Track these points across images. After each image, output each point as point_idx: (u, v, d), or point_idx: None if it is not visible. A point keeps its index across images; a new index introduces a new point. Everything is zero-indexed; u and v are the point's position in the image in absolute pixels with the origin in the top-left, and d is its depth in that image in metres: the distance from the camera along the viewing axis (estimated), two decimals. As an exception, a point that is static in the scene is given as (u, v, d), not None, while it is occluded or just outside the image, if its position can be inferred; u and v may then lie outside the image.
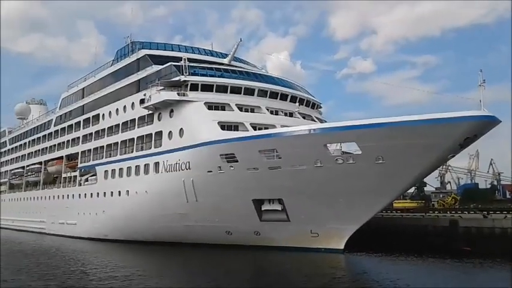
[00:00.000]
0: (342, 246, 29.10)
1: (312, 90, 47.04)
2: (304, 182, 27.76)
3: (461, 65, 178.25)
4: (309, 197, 28.15)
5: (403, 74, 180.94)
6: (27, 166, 63.66)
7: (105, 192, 41.45)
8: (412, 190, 73.59)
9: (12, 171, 69.65)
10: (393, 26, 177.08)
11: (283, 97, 36.52)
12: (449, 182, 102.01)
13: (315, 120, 37.04)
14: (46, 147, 58.76)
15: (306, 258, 27.69)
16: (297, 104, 36.43)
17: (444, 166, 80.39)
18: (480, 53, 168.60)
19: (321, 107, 41.53)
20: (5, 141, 76.30)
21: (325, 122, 37.25)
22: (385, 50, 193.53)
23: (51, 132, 57.93)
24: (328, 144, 27.07)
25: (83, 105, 50.59)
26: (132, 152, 39.44)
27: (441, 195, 77.07)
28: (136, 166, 37.89)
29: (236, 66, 39.65)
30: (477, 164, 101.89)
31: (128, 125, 41.03)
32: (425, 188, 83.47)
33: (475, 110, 24.26)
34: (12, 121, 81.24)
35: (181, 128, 33.74)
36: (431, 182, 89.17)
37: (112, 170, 41.37)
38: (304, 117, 36.53)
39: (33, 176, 61.53)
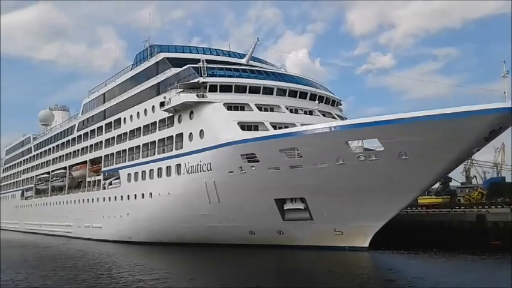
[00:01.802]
0: (366, 244, 28.79)
1: (332, 87, 46.66)
2: (327, 180, 27.53)
3: (483, 57, 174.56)
4: (332, 195, 27.90)
5: (424, 67, 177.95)
6: (52, 171, 64.92)
7: (128, 195, 41.94)
8: (437, 185, 72.38)
9: (38, 177, 71.12)
10: (412, 19, 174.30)
11: (303, 95, 36.38)
12: (475, 177, 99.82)
13: (335, 118, 36.77)
14: (70, 153, 59.78)
15: (331, 257, 27.48)
16: (317, 101, 36.26)
17: (469, 160, 78.72)
18: (502, 43, 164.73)
19: (341, 104, 41.20)
20: (30, 147, 77.91)
21: (346, 119, 36.98)
22: (404, 43, 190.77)
23: (75, 138, 58.89)
24: (349, 142, 26.81)
25: (105, 110, 51.26)
26: (154, 154, 39.82)
27: (467, 190, 75.61)
28: (158, 168, 38.23)
29: (254, 66, 39.64)
30: (503, 158, 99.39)
31: (149, 128, 41.43)
32: (450, 183, 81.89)
33: (500, 102, 23.66)
34: (36, 128, 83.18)
35: (202, 130, 33.87)
36: (457, 177, 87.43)
37: (135, 172, 41.84)
38: (324, 115, 36.29)
39: (59, 181, 62.62)
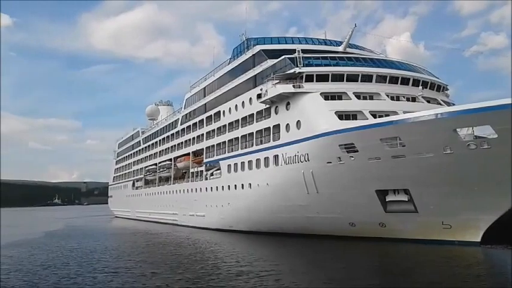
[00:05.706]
0: (478, 239, 26.75)
1: (437, 71, 44.09)
2: (432, 170, 25.96)
3: None
4: (439, 186, 26.26)
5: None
6: (159, 163, 69.22)
7: (229, 186, 43.25)
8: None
9: (147, 168, 76.25)
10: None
11: (405, 81, 34.67)
12: None
13: (441, 104, 34.54)
14: (174, 145, 63.29)
15: (440, 251, 25.60)
16: (420, 87, 34.37)
17: None
18: None
19: (447, 89, 38.62)
20: (139, 141, 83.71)
21: (453, 104, 34.55)
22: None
23: (178, 131, 62.19)
24: (458, 129, 24.96)
25: (205, 103, 53.34)
26: (252, 146, 40.59)
27: None
28: (256, 159, 38.89)
29: (352, 53, 38.56)
30: None
31: (246, 120, 42.28)
32: None
33: None
34: (145, 122, 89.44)
35: (299, 120, 33.73)
36: None
37: (234, 164, 43.00)
38: (428, 101, 34.28)
39: (165, 172, 66.69)
